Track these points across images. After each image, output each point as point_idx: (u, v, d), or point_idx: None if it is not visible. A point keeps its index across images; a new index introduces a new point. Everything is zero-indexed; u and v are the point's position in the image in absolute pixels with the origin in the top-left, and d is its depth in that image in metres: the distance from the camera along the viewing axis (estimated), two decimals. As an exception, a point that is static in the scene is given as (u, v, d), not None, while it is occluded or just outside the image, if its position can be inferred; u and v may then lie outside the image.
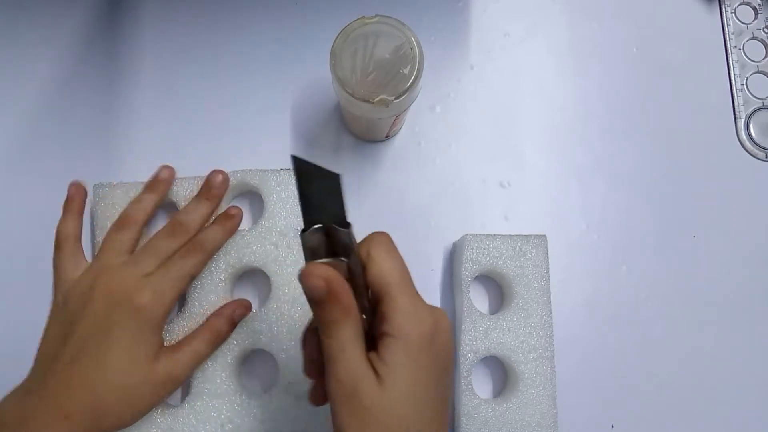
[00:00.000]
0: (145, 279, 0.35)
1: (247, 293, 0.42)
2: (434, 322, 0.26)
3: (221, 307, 0.39)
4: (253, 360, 0.41)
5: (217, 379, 0.39)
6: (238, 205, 0.42)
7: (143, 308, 0.34)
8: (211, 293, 0.40)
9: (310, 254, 0.25)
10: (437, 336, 0.26)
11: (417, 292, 0.27)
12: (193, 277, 0.37)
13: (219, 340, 0.38)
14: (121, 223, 0.38)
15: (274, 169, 0.42)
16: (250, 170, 0.42)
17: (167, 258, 0.37)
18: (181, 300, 0.40)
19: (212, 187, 0.40)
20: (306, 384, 0.38)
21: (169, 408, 0.39)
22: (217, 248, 0.39)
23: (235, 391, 0.39)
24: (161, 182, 0.40)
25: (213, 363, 0.39)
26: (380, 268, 0.27)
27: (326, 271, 0.25)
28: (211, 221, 0.40)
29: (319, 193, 0.24)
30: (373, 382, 0.25)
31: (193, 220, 0.39)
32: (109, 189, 0.41)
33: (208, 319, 0.38)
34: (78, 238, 0.38)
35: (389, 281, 0.26)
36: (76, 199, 0.39)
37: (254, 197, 0.43)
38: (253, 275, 0.42)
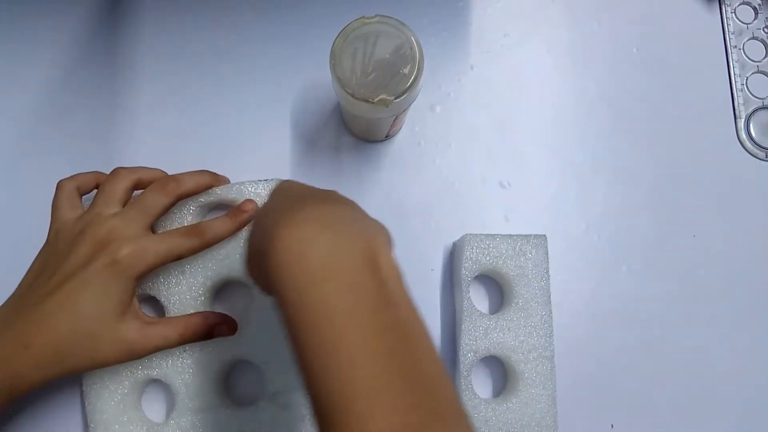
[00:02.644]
0: (133, 236, 0.35)
1: (227, 305, 0.42)
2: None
3: (210, 313, 0.38)
4: (236, 372, 0.41)
5: (202, 393, 0.39)
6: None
7: (120, 261, 0.34)
8: (191, 308, 0.39)
9: None
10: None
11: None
12: (181, 257, 0.37)
13: (191, 340, 0.37)
14: (115, 173, 0.38)
15: (250, 181, 0.41)
16: (226, 186, 0.41)
17: (157, 214, 0.37)
18: (161, 316, 0.40)
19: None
20: (291, 394, 0.38)
21: (154, 425, 0.39)
22: (217, 240, 0.39)
23: (220, 404, 0.39)
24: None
25: (196, 378, 0.39)
26: None
27: None
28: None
29: None
30: None
31: (188, 180, 0.39)
32: None
33: (192, 315, 0.38)
34: (76, 189, 0.38)
35: None
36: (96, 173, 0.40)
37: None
38: (233, 287, 0.42)
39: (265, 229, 0.26)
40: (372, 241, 0.26)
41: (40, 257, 0.37)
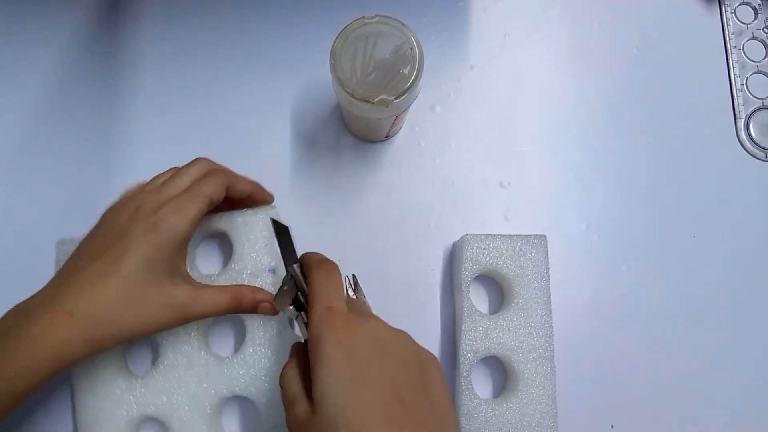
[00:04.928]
0: (169, 199, 0.35)
1: (221, 339, 0.42)
2: (353, 334, 0.29)
3: (258, 288, 0.38)
4: (232, 407, 0.41)
5: (197, 430, 0.38)
6: (206, 248, 0.41)
7: (162, 222, 0.34)
8: (185, 344, 0.39)
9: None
10: (358, 344, 0.28)
11: (343, 309, 0.30)
12: (213, 200, 0.36)
13: (237, 310, 0.37)
14: (195, 160, 0.38)
15: (239, 211, 0.40)
16: (216, 215, 0.40)
17: (207, 199, 0.36)
18: (155, 351, 0.40)
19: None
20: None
21: None
22: (237, 193, 0.38)
23: None
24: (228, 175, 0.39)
25: (192, 414, 0.38)
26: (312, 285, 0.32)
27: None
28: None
29: (287, 242, 0.35)
30: (306, 406, 0.28)
31: (220, 166, 0.39)
32: (73, 245, 0.37)
33: (241, 286, 0.37)
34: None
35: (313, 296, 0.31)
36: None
37: (223, 239, 0.42)
38: (227, 320, 0.42)
39: None
40: None
41: (87, 236, 0.36)
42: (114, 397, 0.38)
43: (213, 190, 0.36)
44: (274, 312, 0.38)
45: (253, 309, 0.37)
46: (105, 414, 0.38)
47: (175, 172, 0.37)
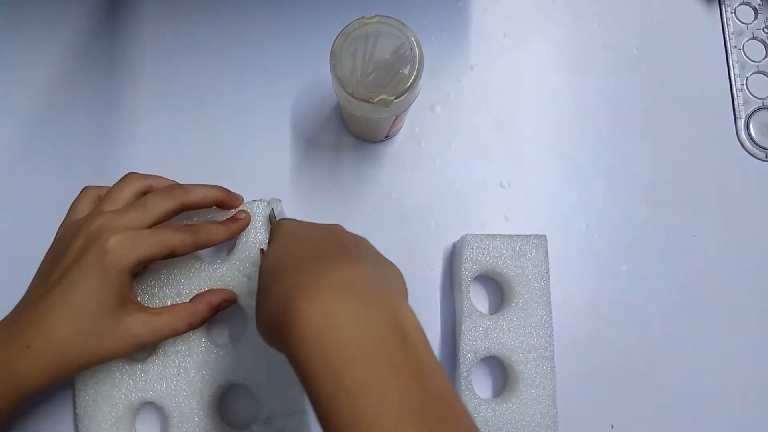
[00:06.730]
0: (124, 228, 0.34)
1: (221, 327, 0.42)
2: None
3: (208, 292, 0.38)
4: (230, 395, 0.41)
5: (195, 417, 0.38)
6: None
7: (108, 251, 0.33)
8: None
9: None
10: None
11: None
12: (173, 253, 0.36)
13: (197, 324, 0.37)
14: (128, 176, 0.38)
15: (247, 201, 0.41)
16: (219, 211, 0.40)
17: (157, 217, 0.36)
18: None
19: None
20: (285, 418, 0.38)
21: None
22: (210, 243, 0.38)
23: (214, 428, 0.38)
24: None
25: (190, 401, 0.38)
26: None
27: None
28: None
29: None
30: None
31: (196, 191, 0.38)
32: None
33: (197, 304, 0.37)
34: (99, 196, 0.38)
35: None
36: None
37: None
38: (228, 309, 0.41)
39: (279, 297, 0.26)
40: (395, 302, 0.25)
41: (45, 257, 0.36)
42: (114, 380, 0.38)
43: (175, 246, 0.36)
44: (234, 302, 0.39)
45: (214, 313, 0.38)
46: (104, 397, 0.38)
47: (143, 197, 0.37)
